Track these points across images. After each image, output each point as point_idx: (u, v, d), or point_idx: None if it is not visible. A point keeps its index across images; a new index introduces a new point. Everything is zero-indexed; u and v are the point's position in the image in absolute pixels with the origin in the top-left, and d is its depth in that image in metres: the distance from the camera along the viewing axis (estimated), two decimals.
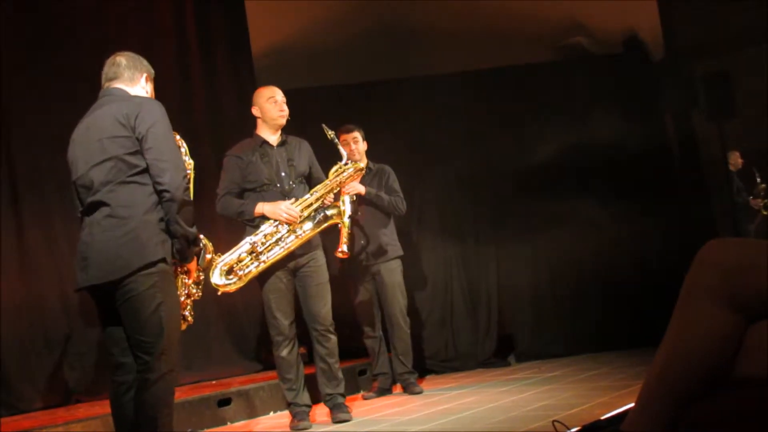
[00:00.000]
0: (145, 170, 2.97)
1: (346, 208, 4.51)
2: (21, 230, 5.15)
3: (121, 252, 2.91)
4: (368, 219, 5.39)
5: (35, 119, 5.17)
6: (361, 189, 5.21)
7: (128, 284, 2.92)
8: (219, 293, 4.40)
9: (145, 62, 3.24)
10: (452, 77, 6.85)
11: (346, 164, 4.56)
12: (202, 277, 3.37)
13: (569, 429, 2.18)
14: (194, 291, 3.32)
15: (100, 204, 2.96)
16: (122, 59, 3.19)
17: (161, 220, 2.99)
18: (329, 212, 4.45)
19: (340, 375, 4.61)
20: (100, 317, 3.11)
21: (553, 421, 2.35)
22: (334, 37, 6.69)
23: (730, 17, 6.81)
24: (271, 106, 4.56)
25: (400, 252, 5.49)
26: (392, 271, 5.42)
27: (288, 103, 4.66)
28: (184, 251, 3.06)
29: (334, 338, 4.56)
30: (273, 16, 6.72)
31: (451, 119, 6.83)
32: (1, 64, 5.14)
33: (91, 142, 3.02)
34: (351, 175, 4.59)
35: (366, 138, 5.46)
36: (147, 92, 3.22)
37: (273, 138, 4.59)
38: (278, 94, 4.60)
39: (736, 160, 8.26)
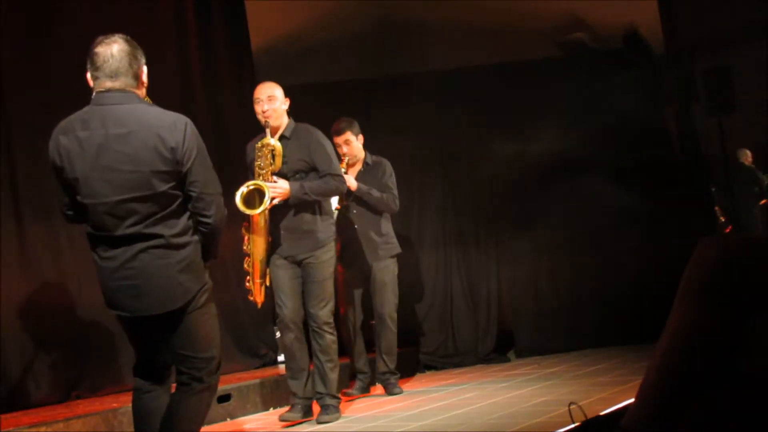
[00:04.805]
0: (185, 198, 2.93)
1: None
2: (21, 226, 5.13)
3: (180, 279, 2.90)
4: (360, 218, 5.29)
5: (36, 115, 5.16)
6: (353, 184, 5.16)
7: (183, 306, 2.93)
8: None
9: (139, 49, 2.98)
10: (453, 74, 6.84)
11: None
12: None
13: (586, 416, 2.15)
14: None
15: (148, 236, 2.87)
16: (121, 52, 2.87)
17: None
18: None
19: (332, 375, 4.55)
20: (134, 336, 3.05)
21: (570, 404, 2.28)
22: (334, 33, 6.68)
23: (730, 13, 6.81)
24: (257, 108, 4.53)
25: (396, 250, 5.37)
26: (383, 270, 5.31)
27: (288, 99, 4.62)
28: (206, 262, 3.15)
29: (329, 337, 4.51)
30: (272, 13, 6.71)
31: (452, 116, 6.81)
32: (2, 61, 5.14)
33: (121, 170, 2.81)
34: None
35: (365, 134, 5.40)
36: (146, 84, 3.06)
37: (269, 135, 4.48)
38: (263, 94, 4.50)
39: (747, 157, 8.30)
